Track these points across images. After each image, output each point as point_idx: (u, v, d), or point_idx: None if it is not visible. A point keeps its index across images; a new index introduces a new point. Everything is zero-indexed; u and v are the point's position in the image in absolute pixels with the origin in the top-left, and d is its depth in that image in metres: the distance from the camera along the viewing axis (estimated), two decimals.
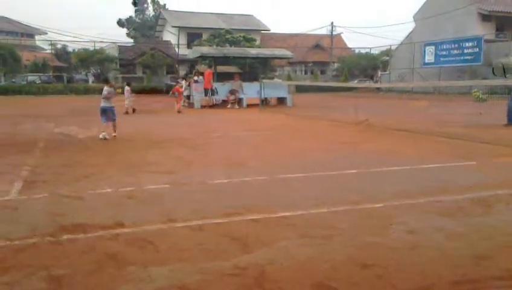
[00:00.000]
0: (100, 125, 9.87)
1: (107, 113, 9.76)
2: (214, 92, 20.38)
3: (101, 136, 9.54)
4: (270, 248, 3.44)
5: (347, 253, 3.36)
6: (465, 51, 35.10)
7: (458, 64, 35.98)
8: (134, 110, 17.39)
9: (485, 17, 36.92)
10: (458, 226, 3.94)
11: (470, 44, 34.78)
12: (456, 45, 35.92)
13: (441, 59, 37.41)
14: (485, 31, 35.78)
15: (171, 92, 20.97)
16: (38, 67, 41.55)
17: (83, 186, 5.41)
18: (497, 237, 3.70)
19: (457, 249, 3.45)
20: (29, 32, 58.71)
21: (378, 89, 36.81)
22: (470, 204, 4.62)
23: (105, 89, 10.05)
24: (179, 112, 17.63)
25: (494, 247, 3.49)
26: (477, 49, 34.13)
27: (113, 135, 9.78)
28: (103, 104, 9.85)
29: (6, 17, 50.66)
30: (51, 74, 40.71)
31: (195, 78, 21.20)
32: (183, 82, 21.34)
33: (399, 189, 5.25)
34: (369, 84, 40.58)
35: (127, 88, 18.01)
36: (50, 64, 44.29)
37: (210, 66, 20.61)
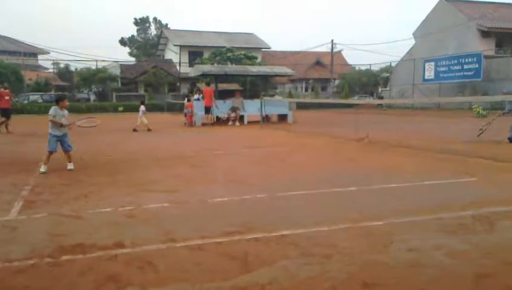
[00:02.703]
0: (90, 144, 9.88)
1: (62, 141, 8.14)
2: (216, 109, 20.50)
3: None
4: (270, 267, 3.42)
5: (347, 271, 3.33)
6: (465, 66, 35.30)
7: (458, 80, 36.15)
8: (149, 129, 17.62)
9: (485, 34, 37.23)
10: (459, 244, 3.91)
11: (470, 60, 35.00)
12: (456, 61, 36.14)
13: (441, 75, 37.63)
14: (485, 47, 36.03)
15: (185, 110, 21.45)
16: (41, 86, 41.88)
17: (82, 206, 5.40)
18: (498, 254, 3.67)
19: (458, 266, 3.42)
20: (32, 52, 59.26)
21: (379, 105, 36.88)
22: (471, 221, 4.60)
23: (56, 110, 8.02)
24: (190, 126, 18.06)
25: (496, 265, 3.46)
26: (477, 65, 34.33)
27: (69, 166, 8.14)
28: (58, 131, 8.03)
29: (9, 37, 51.21)
30: (52, 92, 40.95)
31: (196, 96, 21.38)
32: (193, 98, 21.60)
33: (399, 206, 5.23)
34: (369, 100, 40.72)
35: (142, 107, 18.42)
36: (52, 83, 44.67)
37: (208, 84, 20.73)
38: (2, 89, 17.78)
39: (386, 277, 3.23)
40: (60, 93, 9.40)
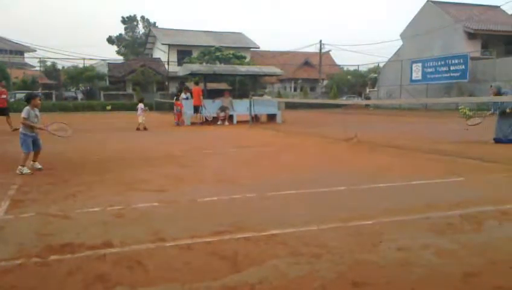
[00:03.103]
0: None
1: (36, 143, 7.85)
2: (204, 109, 20.45)
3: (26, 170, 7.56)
4: (259, 267, 3.42)
5: (337, 271, 3.35)
6: (452, 68, 35.71)
7: (445, 81, 36.54)
8: (145, 128, 17.50)
9: (471, 36, 37.70)
10: (447, 243, 3.95)
11: (457, 61, 35.41)
12: (443, 62, 36.54)
13: (428, 76, 38.01)
14: (471, 48, 36.48)
15: (175, 109, 21.45)
16: (27, 84, 41.42)
17: (70, 205, 5.35)
18: (486, 253, 3.72)
19: (446, 266, 3.46)
20: (18, 50, 58.58)
21: (366, 105, 37.14)
22: (459, 221, 4.64)
23: (29, 111, 7.71)
24: (178, 124, 17.94)
25: (483, 264, 3.49)
26: (463, 66, 34.74)
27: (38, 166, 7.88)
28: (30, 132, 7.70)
29: None
30: (39, 91, 40.52)
31: (184, 95, 21.31)
32: (182, 96, 21.54)
33: (388, 206, 5.26)
34: (357, 101, 40.96)
35: (140, 105, 18.21)
36: (39, 81, 44.21)
37: (197, 83, 20.66)
38: (0, 87, 17.56)
39: (375, 276, 3.25)
40: (31, 91, 8.92)
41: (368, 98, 45.78)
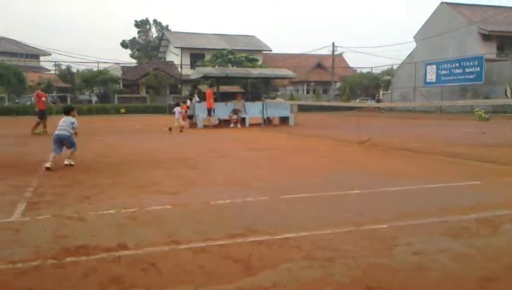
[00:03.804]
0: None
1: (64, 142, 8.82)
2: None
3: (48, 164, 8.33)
4: (273, 270, 3.41)
5: (351, 275, 3.33)
6: (467, 70, 35.30)
7: (460, 84, 36.14)
8: (170, 129, 17.89)
9: (486, 37, 37.27)
10: (463, 247, 3.90)
11: (471, 63, 34.99)
12: (457, 64, 36.14)
13: (443, 78, 37.62)
14: (486, 50, 36.05)
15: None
16: (43, 88, 41.88)
17: (85, 208, 5.41)
18: (503, 258, 3.66)
19: (462, 270, 3.41)
20: (33, 54, 59.42)
21: (377, 108, 36.89)
22: (475, 224, 4.59)
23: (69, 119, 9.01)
24: (180, 130, 18.05)
25: (500, 269, 3.45)
26: (478, 68, 34.31)
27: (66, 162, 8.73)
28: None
29: (11, 39, 51.36)
30: (54, 94, 41.07)
31: (196, 98, 21.43)
32: (189, 102, 21.65)
33: (403, 209, 5.22)
34: (370, 103, 40.73)
35: (177, 108, 18.67)
36: (54, 84, 44.76)
37: (211, 86, 20.69)
38: (39, 91, 17.83)
39: (390, 281, 3.22)
40: (68, 105, 10.57)
41: (378, 101, 45.40)
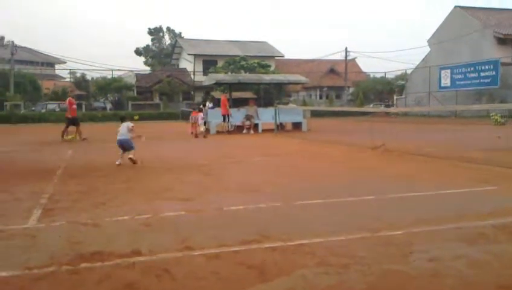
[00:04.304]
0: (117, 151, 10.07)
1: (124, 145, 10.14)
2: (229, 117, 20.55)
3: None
4: (287, 277, 3.39)
5: (366, 281, 3.29)
6: (482, 74, 34.88)
7: (475, 88, 35.71)
8: (196, 135, 18.46)
9: (501, 41, 36.81)
10: (480, 254, 3.84)
11: (487, 67, 34.57)
12: (472, 68, 35.74)
13: (457, 82, 37.22)
14: (501, 54, 35.57)
15: (190, 119, 21.82)
16: (58, 95, 42.53)
17: (100, 214, 5.45)
18: None
19: (478, 277, 3.36)
20: (49, 62, 60.25)
21: (389, 113, 36.51)
22: (491, 231, 4.51)
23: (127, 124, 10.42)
24: (196, 136, 18.23)
25: None
26: (494, 72, 33.88)
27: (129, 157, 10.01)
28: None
29: (27, 47, 52.14)
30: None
31: (209, 104, 21.55)
32: (203, 108, 21.79)
33: (418, 215, 5.16)
34: (384, 108, 40.43)
35: (201, 114, 19.18)
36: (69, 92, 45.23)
37: (224, 92, 20.78)
38: (71, 97, 18.08)
39: (405, 287, 3.18)
40: (123, 115, 12.39)
41: (387, 106, 44.97)
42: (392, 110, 37.44)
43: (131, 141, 10.20)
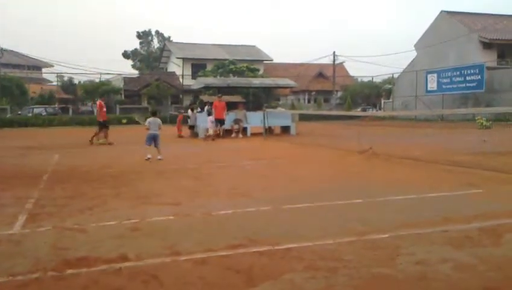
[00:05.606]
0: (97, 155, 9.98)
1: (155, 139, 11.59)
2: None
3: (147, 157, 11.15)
4: (275, 281, 3.39)
5: (354, 285, 3.30)
6: (468, 78, 35.30)
7: (461, 92, 36.13)
8: (213, 139, 18.57)
9: (486, 45, 37.30)
10: (466, 257, 3.87)
11: (472, 71, 34.99)
12: (458, 73, 36.15)
13: (444, 86, 37.61)
14: (487, 58, 36.08)
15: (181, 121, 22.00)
16: (45, 99, 42.09)
17: (86, 219, 5.39)
18: (505, 268, 3.64)
19: (465, 280, 3.39)
20: (36, 65, 59.67)
21: (377, 117, 36.72)
22: (477, 234, 4.56)
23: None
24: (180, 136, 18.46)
25: (503, 278, 3.42)
26: (479, 77, 34.32)
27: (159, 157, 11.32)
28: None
29: (13, 51, 51.60)
30: (56, 105, 41.12)
31: (207, 107, 21.52)
32: (189, 112, 21.76)
33: (405, 219, 5.20)
34: (372, 112, 40.68)
35: (210, 118, 19.43)
36: (56, 96, 44.93)
37: (220, 97, 20.58)
38: (101, 100, 17.86)
39: None
40: (154, 109, 13.46)
41: (364, 110, 45.15)
42: (379, 114, 37.63)
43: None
